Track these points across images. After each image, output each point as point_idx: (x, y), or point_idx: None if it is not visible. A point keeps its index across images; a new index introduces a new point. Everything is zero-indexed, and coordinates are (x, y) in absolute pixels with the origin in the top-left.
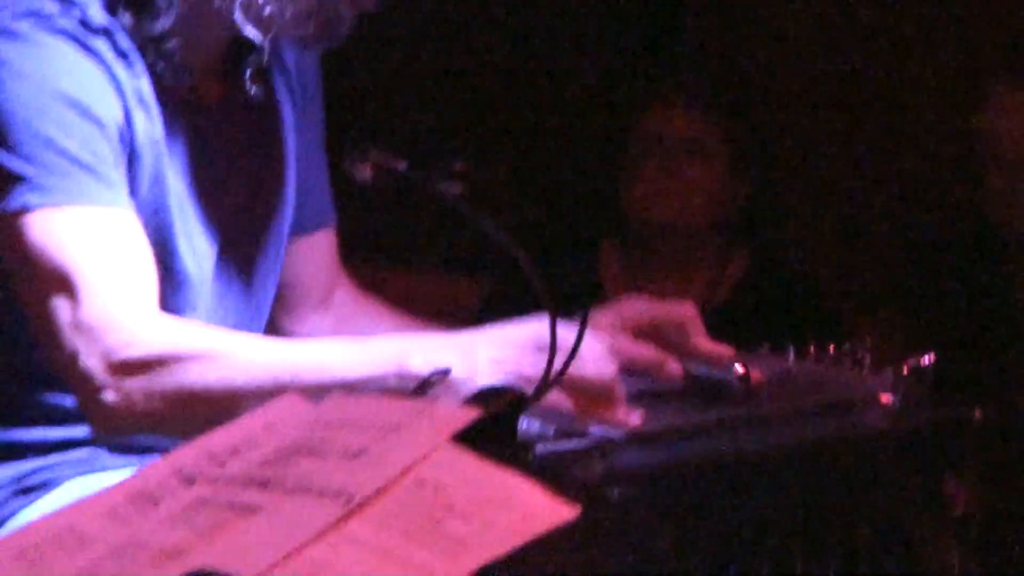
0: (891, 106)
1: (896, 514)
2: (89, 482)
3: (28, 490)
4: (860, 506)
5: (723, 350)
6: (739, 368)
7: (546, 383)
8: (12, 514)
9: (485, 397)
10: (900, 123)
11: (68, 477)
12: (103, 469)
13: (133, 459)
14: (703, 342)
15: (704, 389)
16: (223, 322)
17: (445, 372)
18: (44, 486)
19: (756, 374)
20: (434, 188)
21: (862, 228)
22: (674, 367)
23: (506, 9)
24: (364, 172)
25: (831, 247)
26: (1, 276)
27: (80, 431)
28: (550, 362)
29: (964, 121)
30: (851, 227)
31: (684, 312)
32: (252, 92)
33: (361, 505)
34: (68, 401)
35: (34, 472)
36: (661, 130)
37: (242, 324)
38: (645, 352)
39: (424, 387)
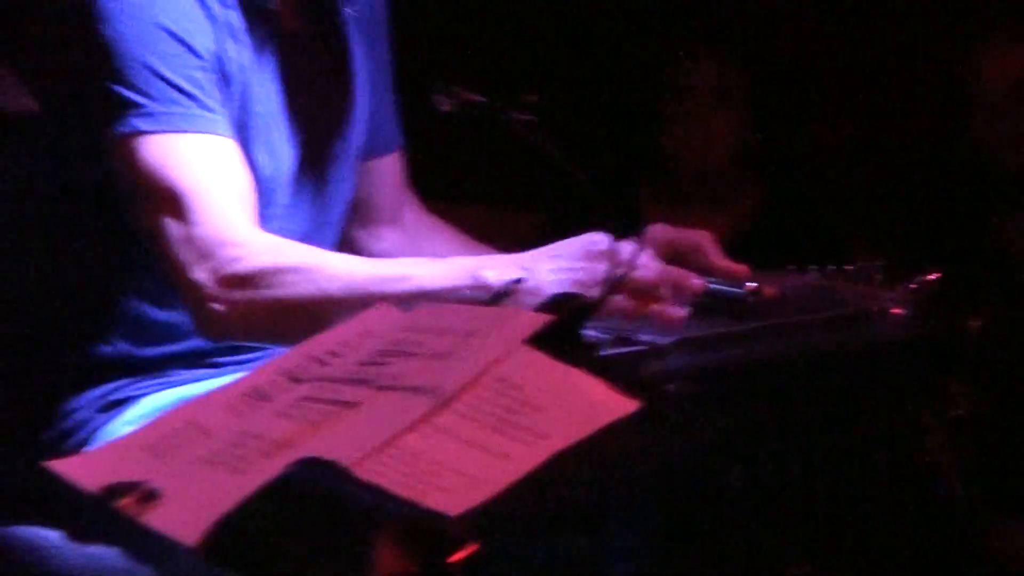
0: (893, 52)
1: (904, 413)
2: (165, 397)
3: (111, 406)
4: (874, 404)
5: (739, 268)
6: (751, 284)
7: (608, 291)
8: (96, 428)
9: (554, 304)
10: (900, 70)
11: (147, 393)
12: (177, 385)
13: (207, 373)
14: (721, 261)
15: (721, 303)
16: (292, 233)
17: (518, 282)
18: (126, 402)
19: (769, 290)
20: (508, 117)
21: (870, 164)
22: (696, 282)
23: None
24: (446, 104)
25: (846, 181)
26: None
27: (160, 349)
28: (611, 273)
29: (957, 67)
30: (859, 162)
31: (702, 236)
32: (327, 25)
33: (448, 400)
34: (154, 316)
35: (116, 389)
36: (689, 82)
37: (310, 237)
38: (671, 270)
39: (499, 296)
